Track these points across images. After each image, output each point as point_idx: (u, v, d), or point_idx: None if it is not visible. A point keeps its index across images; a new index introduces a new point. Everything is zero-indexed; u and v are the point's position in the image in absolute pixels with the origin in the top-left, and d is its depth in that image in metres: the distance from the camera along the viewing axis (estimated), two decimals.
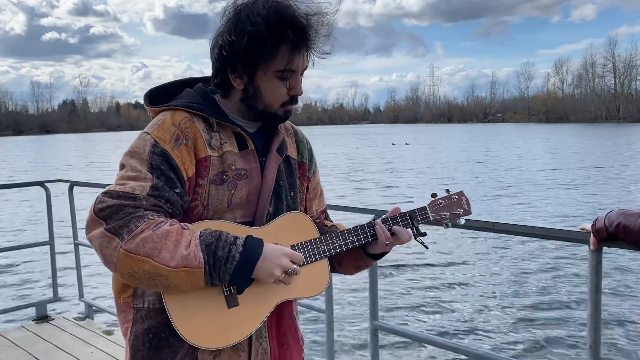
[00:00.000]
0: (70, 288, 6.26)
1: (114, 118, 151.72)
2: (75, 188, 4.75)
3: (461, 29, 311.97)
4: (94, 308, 4.81)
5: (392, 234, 1.59)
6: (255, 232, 1.46)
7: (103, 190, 1.36)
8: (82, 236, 5.68)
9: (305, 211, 1.71)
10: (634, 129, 68.97)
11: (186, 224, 1.39)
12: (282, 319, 1.60)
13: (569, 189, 19.10)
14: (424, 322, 7.13)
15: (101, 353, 3.93)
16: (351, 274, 1.75)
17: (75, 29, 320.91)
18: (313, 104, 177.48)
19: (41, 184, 4.78)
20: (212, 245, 1.32)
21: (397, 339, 6.05)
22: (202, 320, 1.40)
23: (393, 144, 52.66)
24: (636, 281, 8.61)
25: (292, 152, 1.67)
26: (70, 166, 33.77)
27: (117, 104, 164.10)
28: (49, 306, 4.93)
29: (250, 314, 1.45)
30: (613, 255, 9.33)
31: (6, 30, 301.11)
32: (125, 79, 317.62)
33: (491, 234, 10.42)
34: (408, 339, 5.59)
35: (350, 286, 8.34)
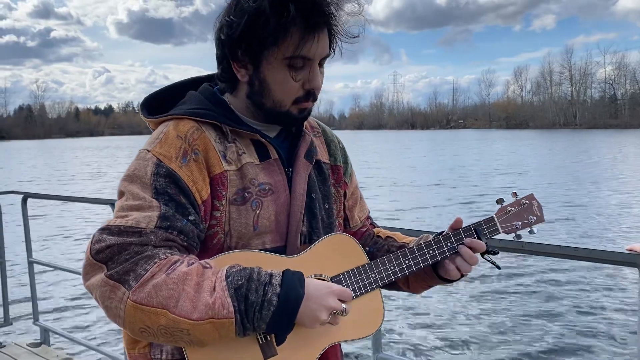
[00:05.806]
0: (24, 311, 5.74)
1: (73, 124, 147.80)
2: (30, 200, 4.30)
3: (426, 36, 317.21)
4: (50, 333, 4.34)
5: (457, 253, 1.31)
6: (292, 263, 1.17)
7: (100, 226, 1.08)
8: (36, 254, 5.18)
9: (346, 221, 1.43)
10: (590, 135, 70.44)
11: (207, 260, 1.08)
12: None
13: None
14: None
15: None
16: (418, 293, 1.45)
17: (34, 32, 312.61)
18: None
19: None
20: (243, 288, 1.04)
21: None
22: None
23: None
24: None
25: (322, 155, 1.37)
26: (28, 177, 31.55)
27: (77, 109, 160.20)
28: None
29: None
30: None
31: None
32: (86, 84, 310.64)
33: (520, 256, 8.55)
34: None
35: None
